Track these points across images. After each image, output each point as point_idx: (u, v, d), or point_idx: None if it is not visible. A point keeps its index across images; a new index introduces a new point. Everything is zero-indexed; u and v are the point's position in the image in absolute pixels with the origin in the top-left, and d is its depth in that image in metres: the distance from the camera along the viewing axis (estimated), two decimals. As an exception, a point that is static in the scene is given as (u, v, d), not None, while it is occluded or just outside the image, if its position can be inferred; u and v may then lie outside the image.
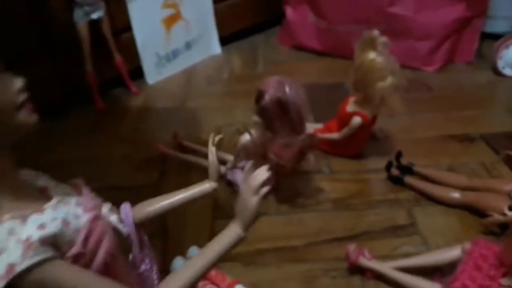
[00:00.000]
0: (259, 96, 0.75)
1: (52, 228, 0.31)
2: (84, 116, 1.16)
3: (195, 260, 0.40)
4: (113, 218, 0.42)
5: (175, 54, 1.36)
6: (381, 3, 1.16)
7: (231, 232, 0.43)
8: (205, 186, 0.53)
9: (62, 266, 0.32)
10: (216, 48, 1.51)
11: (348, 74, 1.25)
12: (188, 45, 1.40)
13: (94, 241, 0.33)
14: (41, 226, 0.31)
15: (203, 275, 0.40)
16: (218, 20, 1.47)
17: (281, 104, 0.74)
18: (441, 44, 1.23)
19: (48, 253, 0.31)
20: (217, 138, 0.56)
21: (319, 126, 0.96)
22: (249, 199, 0.43)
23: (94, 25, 1.16)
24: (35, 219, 0.31)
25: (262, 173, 0.43)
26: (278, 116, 0.75)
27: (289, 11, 1.47)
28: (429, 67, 1.24)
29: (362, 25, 1.26)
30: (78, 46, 1.16)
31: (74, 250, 0.32)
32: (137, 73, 1.32)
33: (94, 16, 1.14)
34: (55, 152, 1.04)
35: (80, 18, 1.14)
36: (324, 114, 1.00)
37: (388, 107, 0.93)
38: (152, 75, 1.34)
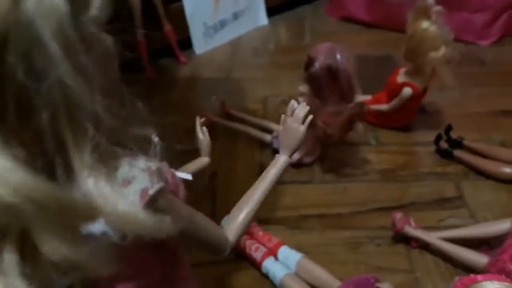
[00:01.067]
0: (309, 62, 0.76)
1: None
2: (134, 84, 1.19)
3: (257, 185, 0.45)
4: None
5: (222, 24, 1.38)
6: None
7: (280, 159, 0.47)
8: (201, 161, 0.61)
9: (172, 195, 0.35)
10: (263, 19, 1.51)
11: (398, 47, 1.22)
12: (235, 16, 1.41)
13: (173, 184, 0.36)
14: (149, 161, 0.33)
15: (264, 198, 0.44)
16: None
17: (331, 71, 0.74)
18: (497, 17, 1.18)
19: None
20: (202, 120, 0.59)
21: (368, 97, 0.95)
22: (296, 128, 0.49)
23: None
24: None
25: (304, 107, 0.50)
26: (327, 83, 0.75)
27: (337, -19, 1.44)
28: (484, 41, 1.20)
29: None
30: (128, 16, 1.18)
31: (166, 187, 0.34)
32: (185, 43, 1.34)
33: (145, -15, 1.13)
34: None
35: (132, -13, 1.12)
36: (373, 87, 1.00)
37: (439, 80, 0.91)
38: (200, 45, 1.37)
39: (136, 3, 1.18)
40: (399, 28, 1.25)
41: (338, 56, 0.73)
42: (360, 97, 0.89)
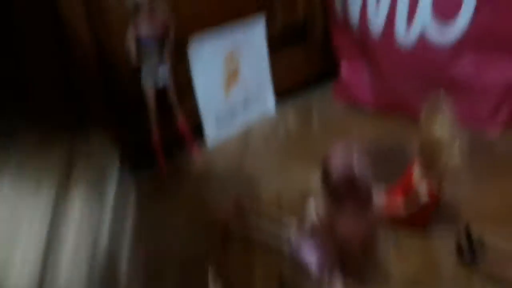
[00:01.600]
0: (326, 172, 0.73)
1: None
2: (149, 178, 1.18)
3: None
4: None
5: (233, 113, 1.43)
6: (441, 64, 1.14)
7: None
8: None
9: None
10: (271, 106, 1.55)
11: (407, 133, 1.21)
12: (245, 104, 1.46)
13: None
14: None
15: None
16: (274, 77, 1.52)
17: (349, 182, 0.72)
18: (503, 105, 1.17)
19: None
20: None
21: (382, 191, 0.92)
22: None
23: (160, 90, 1.22)
24: None
25: None
26: (346, 193, 0.73)
27: (344, 66, 1.48)
28: (491, 127, 1.18)
29: (420, 85, 1.24)
30: (144, 110, 1.21)
31: None
32: (198, 134, 1.37)
33: (161, 82, 1.20)
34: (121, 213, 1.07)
35: (148, 76, 1.20)
36: (385, 175, 0.96)
37: (453, 173, 0.89)
38: (212, 136, 1.40)
39: (151, 99, 1.21)
40: (407, 113, 1.25)
41: (356, 165, 0.71)
42: (376, 190, 0.86)
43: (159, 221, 1.06)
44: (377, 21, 1.20)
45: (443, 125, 0.80)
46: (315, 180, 1.00)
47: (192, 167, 1.26)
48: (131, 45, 1.10)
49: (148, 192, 1.19)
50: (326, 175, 0.76)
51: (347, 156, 0.74)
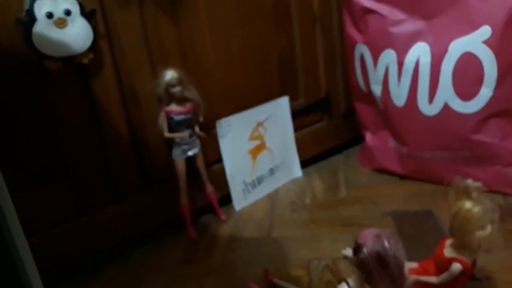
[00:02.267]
0: (357, 248, 0.74)
1: None
2: (176, 245, 1.20)
3: None
4: None
5: (259, 180, 1.41)
6: (464, 131, 1.14)
7: None
8: None
9: None
10: (297, 172, 1.56)
11: (435, 200, 1.21)
12: (271, 171, 1.45)
13: None
14: None
15: None
16: (299, 146, 1.54)
17: (380, 258, 0.72)
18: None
19: None
20: None
21: (414, 265, 0.91)
22: None
23: (189, 159, 1.24)
24: None
25: None
26: (377, 270, 0.72)
27: (368, 137, 1.49)
28: (522, 193, 1.16)
29: (445, 152, 1.24)
30: (173, 179, 1.24)
31: None
32: (225, 200, 1.38)
33: (191, 153, 1.22)
34: (149, 285, 1.09)
35: (178, 155, 1.22)
36: (414, 246, 0.96)
37: (485, 242, 0.86)
38: (239, 201, 1.40)
39: (181, 169, 1.23)
40: (434, 179, 1.25)
41: (386, 243, 0.70)
42: (407, 264, 0.84)
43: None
44: (399, 97, 1.23)
45: (473, 198, 0.79)
46: (344, 250, 1.00)
47: (220, 233, 1.26)
48: (163, 125, 1.15)
49: (174, 257, 1.19)
50: (357, 251, 0.76)
51: (378, 235, 0.74)
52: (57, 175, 1.06)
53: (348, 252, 1.04)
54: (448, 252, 0.85)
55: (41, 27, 0.93)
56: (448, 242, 0.87)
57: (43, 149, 1.04)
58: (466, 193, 0.79)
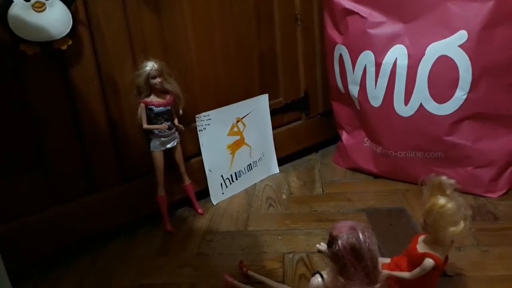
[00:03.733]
0: (332, 240, 0.70)
1: None
2: (152, 237, 1.16)
3: None
4: None
5: (237, 175, 1.40)
6: (438, 132, 1.12)
7: None
8: None
9: None
10: (274, 168, 1.54)
11: (408, 199, 1.19)
12: (249, 167, 1.42)
13: None
14: None
15: None
16: (277, 143, 1.51)
17: (355, 250, 0.69)
18: (503, 171, 1.15)
19: None
20: None
21: (387, 260, 0.88)
22: None
23: (167, 152, 1.21)
24: None
25: None
26: (351, 263, 0.69)
27: (344, 136, 1.47)
28: (492, 194, 1.15)
29: (419, 152, 1.22)
30: (151, 172, 1.20)
31: None
32: (202, 194, 1.35)
33: (169, 146, 1.18)
34: (122, 276, 1.05)
35: (156, 147, 1.19)
36: (386, 241, 0.94)
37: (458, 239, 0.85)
38: (217, 196, 1.37)
39: (159, 161, 1.21)
40: (407, 179, 1.23)
41: (361, 235, 0.67)
42: (380, 260, 0.82)
43: (160, 282, 1.01)
44: (376, 98, 1.21)
45: (447, 195, 0.77)
46: (318, 244, 0.97)
47: (196, 226, 1.23)
48: (142, 116, 1.11)
49: (150, 250, 1.15)
50: (332, 243, 0.73)
51: (353, 228, 0.71)
52: (30, 163, 1.00)
53: (323, 246, 1.01)
54: (421, 247, 0.83)
55: (18, 9, 0.87)
56: (421, 238, 0.85)
57: (15, 136, 0.97)
58: (440, 189, 0.77)
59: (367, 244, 0.70)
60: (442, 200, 0.76)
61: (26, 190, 1.01)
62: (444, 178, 0.76)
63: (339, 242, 0.70)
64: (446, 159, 1.18)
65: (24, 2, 0.89)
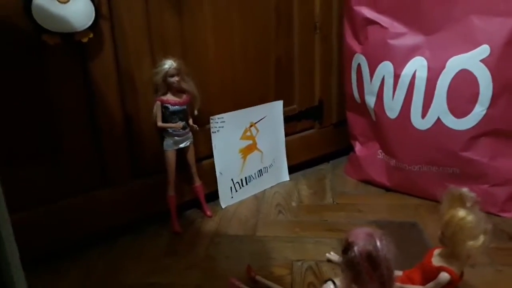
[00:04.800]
0: (347, 247, 0.68)
1: None
2: (160, 237, 1.15)
3: None
4: None
5: (248, 180, 1.38)
6: (454, 147, 1.10)
7: None
8: None
9: None
10: (285, 176, 1.52)
11: (420, 213, 1.17)
12: (260, 172, 1.42)
13: None
14: None
15: None
16: (288, 150, 1.50)
17: (371, 258, 0.67)
18: (519, 190, 1.12)
19: None
20: None
21: (399, 273, 0.86)
22: None
23: (180, 152, 1.20)
24: None
25: None
26: (367, 270, 0.67)
27: (357, 147, 1.45)
28: (507, 213, 1.12)
29: (434, 167, 1.20)
30: (162, 171, 1.19)
31: None
32: (212, 196, 1.33)
33: (182, 145, 1.17)
34: (128, 273, 1.03)
35: (169, 146, 1.18)
36: (398, 254, 0.90)
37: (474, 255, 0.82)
38: (226, 199, 1.35)
39: (171, 161, 1.20)
40: (420, 193, 1.21)
41: (378, 243, 0.65)
42: (395, 271, 0.80)
43: (166, 282, 1.00)
44: (392, 109, 1.20)
45: (467, 207, 0.75)
46: (328, 253, 0.95)
47: (204, 228, 1.22)
48: (158, 114, 1.11)
49: (157, 248, 1.14)
50: (347, 249, 0.71)
51: (370, 235, 0.69)
52: (44, 154, 0.99)
53: (333, 256, 0.99)
54: (436, 261, 0.80)
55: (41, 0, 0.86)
56: (437, 251, 0.82)
57: (32, 125, 0.96)
58: (460, 201, 0.75)
59: (384, 252, 0.68)
60: (462, 212, 0.74)
61: (38, 180, 1.00)
62: (465, 190, 0.74)
63: (355, 248, 0.68)
64: (462, 175, 1.16)
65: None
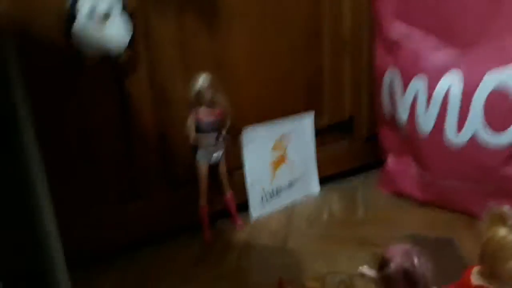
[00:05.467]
0: (383, 263, 0.67)
1: None
2: (191, 247, 1.18)
3: None
4: None
5: (278, 191, 1.39)
6: (492, 163, 1.06)
7: None
8: None
9: None
10: (315, 188, 1.51)
11: (456, 229, 1.13)
12: (290, 184, 1.42)
13: None
14: None
15: None
16: (319, 162, 1.50)
17: (408, 275, 0.65)
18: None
19: None
20: None
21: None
22: None
23: (212, 167, 1.22)
24: None
25: None
26: (403, 286, 0.64)
27: (390, 160, 1.43)
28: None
29: (468, 182, 1.16)
30: (195, 182, 1.21)
31: None
32: (242, 207, 1.33)
33: (215, 157, 1.17)
34: (159, 281, 1.05)
35: (202, 158, 1.21)
36: (435, 271, 0.87)
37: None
38: (257, 209, 1.36)
39: (203, 172, 1.21)
40: (454, 208, 1.16)
41: (416, 260, 0.63)
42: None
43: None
44: (426, 124, 1.16)
45: (509, 226, 0.72)
46: (361, 267, 0.92)
47: (235, 239, 1.22)
48: (192, 126, 1.13)
49: (189, 258, 1.14)
50: (383, 265, 0.69)
51: (408, 251, 0.67)
52: (81, 168, 1.01)
53: (366, 269, 0.96)
54: (475, 279, 0.77)
55: (82, 23, 0.90)
56: (476, 269, 0.79)
57: (71, 141, 0.99)
58: (501, 220, 0.71)
59: (421, 270, 0.66)
60: (503, 231, 0.71)
61: (76, 193, 1.02)
62: (506, 208, 0.71)
63: (392, 265, 0.67)
64: (499, 191, 1.11)
65: (88, 16, 0.92)
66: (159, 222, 1.13)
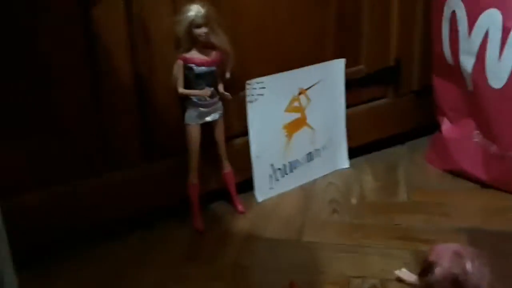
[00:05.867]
0: (427, 268, 0.70)
1: None
2: (177, 236, 1.23)
3: None
4: None
5: (293, 166, 1.43)
6: None
7: None
8: None
9: None
10: (343, 162, 1.55)
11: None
12: (310, 157, 1.46)
13: None
14: None
15: None
16: (350, 127, 1.51)
17: (458, 284, 0.68)
18: None
19: None
20: None
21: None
22: None
23: (206, 127, 1.22)
24: None
25: None
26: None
27: (445, 125, 1.45)
28: None
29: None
30: (183, 151, 1.22)
31: None
32: (245, 186, 1.36)
33: (209, 118, 1.22)
34: (138, 280, 1.09)
35: (193, 119, 1.22)
36: (492, 273, 0.91)
37: None
38: (263, 190, 1.39)
39: (194, 138, 1.24)
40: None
41: (469, 266, 0.67)
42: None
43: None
44: (498, 76, 1.16)
45: None
46: (398, 270, 0.96)
47: (234, 228, 1.26)
48: (179, 75, 1.14)
49: (176, 250, 1.19)
50: (427, 271, 0.73)
51: (458, 253, 0.70)
52: (37, 126, 1.03)
53: (404, 274, 1.00)
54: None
55: None
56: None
57: (24, 92, 1.01)
58: None
59: (476, 277, 0.69)
60: None
61: (29, 161, 1.06)
62: None
63: (439, 270, 0.70)
64: None
65: None
66: (136, 204, 1.19)
